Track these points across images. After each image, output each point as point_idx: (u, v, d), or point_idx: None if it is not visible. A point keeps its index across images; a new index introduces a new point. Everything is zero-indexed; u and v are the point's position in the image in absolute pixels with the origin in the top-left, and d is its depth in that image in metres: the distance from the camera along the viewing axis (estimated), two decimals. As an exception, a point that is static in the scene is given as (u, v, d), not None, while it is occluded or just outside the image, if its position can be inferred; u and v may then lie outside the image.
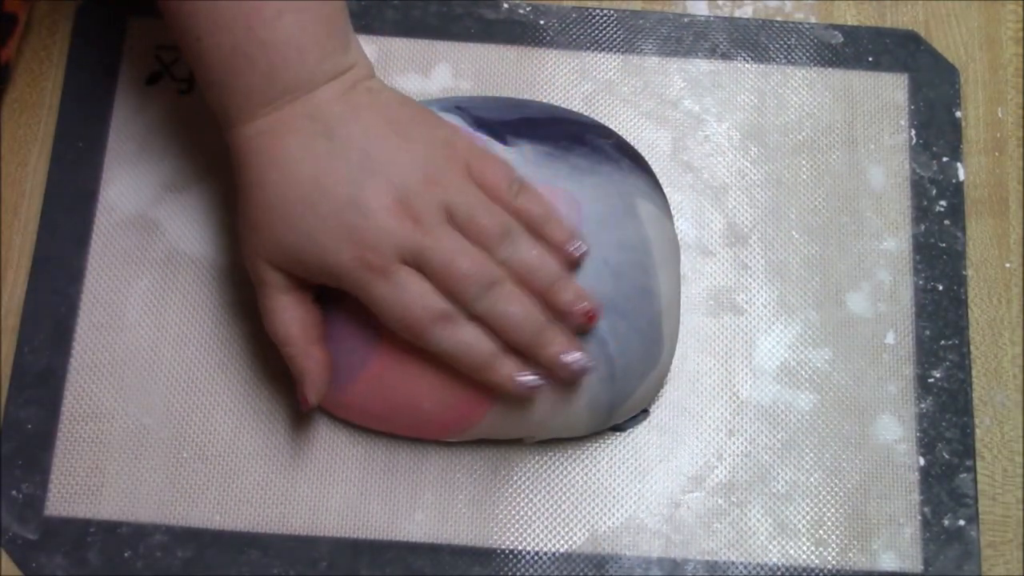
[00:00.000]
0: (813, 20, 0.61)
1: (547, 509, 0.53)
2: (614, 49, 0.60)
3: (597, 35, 0.60)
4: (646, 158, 0.55)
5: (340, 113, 0.47)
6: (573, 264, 0.49)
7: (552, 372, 0.48)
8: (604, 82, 0.59)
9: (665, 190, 0.55)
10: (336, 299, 0.49)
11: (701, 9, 0.61)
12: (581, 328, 0.48)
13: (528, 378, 0.48)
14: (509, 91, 0.58)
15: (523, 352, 0.48)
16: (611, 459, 0.53)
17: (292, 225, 0.47)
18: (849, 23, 0.61)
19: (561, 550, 0.52)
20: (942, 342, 0.56)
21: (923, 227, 0.57)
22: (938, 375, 0.55)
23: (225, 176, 0.56)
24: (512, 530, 0.52)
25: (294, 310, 0.49)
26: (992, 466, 0.54)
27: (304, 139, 0.47)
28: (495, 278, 0.47)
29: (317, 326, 0.49)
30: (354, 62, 0.49)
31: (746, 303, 0.56)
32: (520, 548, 0.52)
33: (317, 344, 0.49)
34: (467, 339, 0.47)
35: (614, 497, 0.53)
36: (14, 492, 0.52)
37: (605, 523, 0.53)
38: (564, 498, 0.53)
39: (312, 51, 0.47)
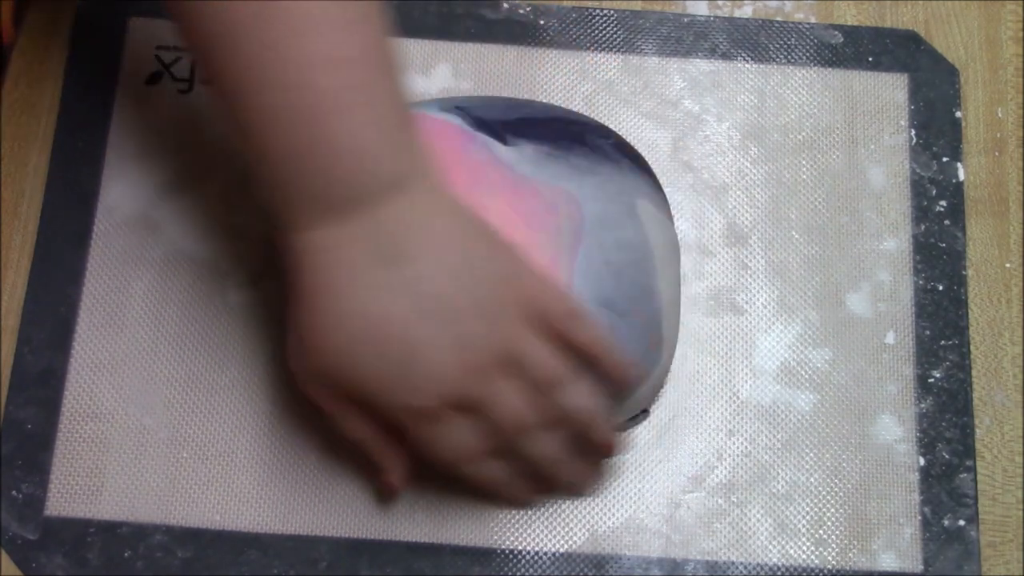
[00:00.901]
0: (813, 20, 0.61)
1: (547, 509, 0.53)
2: (614, 49, 0.60)
3: (597, 35, 0.60)
4: (646, 158, 0.55)
5: (405, 235, 0.44)
6: (627, 391, 0.49)
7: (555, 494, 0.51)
8: (604, 82, 0.59)
9: (665, 190, 0.55)
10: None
11: (701, 9, 0.61)
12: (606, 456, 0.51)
13: (530, 499, 0.51)
14: (509, 91, 0.58)
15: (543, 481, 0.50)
16: (611, 459, 0.53)
17: (344, 357, 0.45)
18: (849, 23, 0.61)
19: (561, 550, 0.52)
20: (942, 342, 0.56)
21: (923, 227, 0.57)
22: (938, 375, 0.55)
23: (225, 176, 0.56)
24: (512, 530, 0.52)
25: (369, 417, 0.48)
26: (992, 466, 0.54)
27: (364, 267, 0.44)
28: (536, 425, 0.47)
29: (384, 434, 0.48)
30: (418, 161, 0.45)
31: (746, 303, 0.56)
32: (520, 548, 0.52)
33: (393, 438, 0.48)
34: (489, 472, 0.49)
35: (614, 497, 0.53)
36: (14, 492, 0.52)
37: (605, 523, 0.53)
38: (564, 498, 0.53)
39: (382, 154, 0.44)
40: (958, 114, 0.59)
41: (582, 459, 0.50)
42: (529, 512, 0.52)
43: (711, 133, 0.58)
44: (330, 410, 0.48)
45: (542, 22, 0.60)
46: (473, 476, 0.49)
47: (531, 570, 0.52)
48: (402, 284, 0.44)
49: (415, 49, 0.59)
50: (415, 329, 0.44)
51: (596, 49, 0.59)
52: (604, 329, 0.48)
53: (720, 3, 0.61)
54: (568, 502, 0.53)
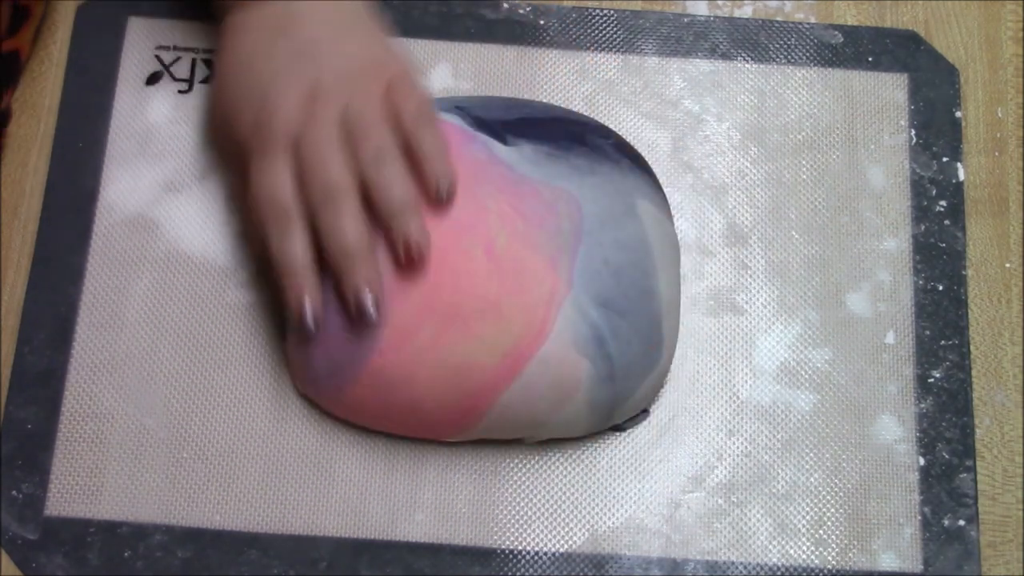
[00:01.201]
0: (813, 20, 0.61)
1: (547, 509, 0.53)
2: (614, 49, 0.60)
3: (597, 35, 0.60)
4: (646, 158, 0.55)
5: (302, 14, 0.51)
6: (435, 202, 0.49)
7: (344, 301, 0.48)
8: (604, 82, 0.59)
9: (665, 190, 0.55)
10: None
11: (701, 9, 0.61)
12: (408, 263, 0.48)
13: (308, 308, 0.48)
14: (509, 91, 0.58)
15: (333, 272, 0.48)
16: (611, 459, 0.53)
17: (227, 95, 0.51)
18: (849, 23, 0.61)
19: (561, 550, 0.52)
20: (942, 342, 0.56)
21: (923, 227, 0.57)
22: (938, 375, 0.55)
23: (225, 176, 0.56)
24: (512, 530, 0.52)
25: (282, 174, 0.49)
26: (992, 466, 0.54)
27: (262, 38, 0.51)
28: (344, 188, 0.48)
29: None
30: None
31: (746, 303, 0.56)
32: (520, 548, 0.52)
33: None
34: (292, 244, 0.48)
35: (614, 497, 0.53)
36: (14, 492, 0.52)
37: (605, 523, 0.53)
38: (564, 498, 0.53)
39: None
40: (958, 114, 0.59)
41: (377, 268, 0.48)
42: (529, 512, 0.52)
43: (711, 133, 0.58)
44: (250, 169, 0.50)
45: (542, 22, 0.60)
46: (276, 242, 0.48)
47: (531, 570, 0.52)
48: (291, 38, 0.50)
49: (415, 49, 0.59)
50: (287, 70, 0.49)
51: (596, 49, 0.59)
52: (442, 145, 0.50)
53: (720, 3, 0.61)
54: (568, 502, 0.53)
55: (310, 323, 0.48)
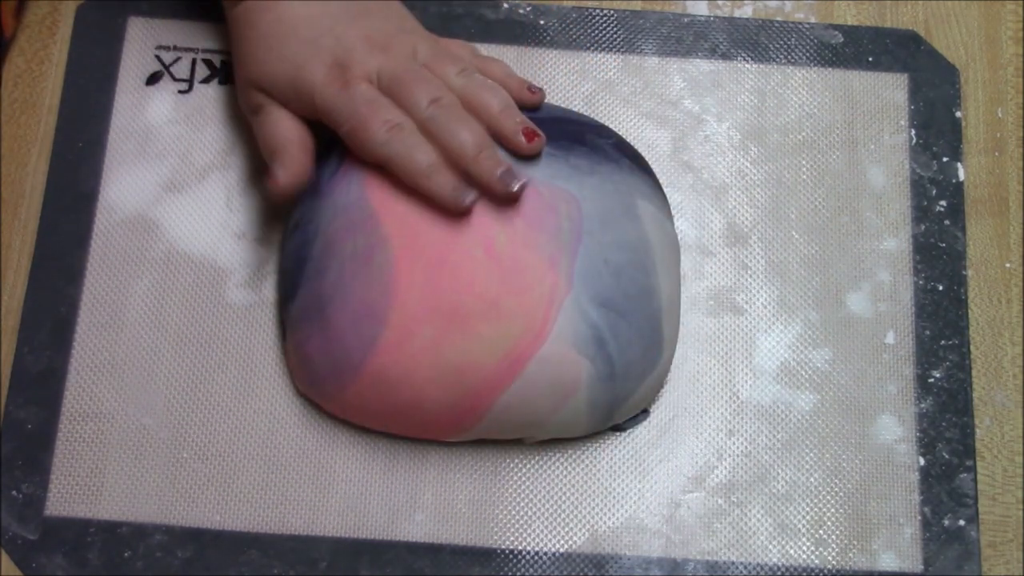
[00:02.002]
0: (813, 20, 0.61)
1: (547, 509, 0.53)
2: (614, 49, 0.60)
3: (597, 35, 0.60)
4: (646, 158, 0.55)
5: None
6: (531, 99, 0.53)
7: (488, 189, 0.49)
8: (604, 82, 0.59)
9: (665, 190, 0.55)
10: (337, 298, 0.50)
11: (701, 9, 0.61)
12: (530, 150, 0.50)
13: (465, 193, 0.49)
14: (509, 91, 0.58)
15: (462, 168, 0.49)
16: (611, 459, 0.53)
17: (278, 52, 0.51)
18: (849, 23, 0.61)
19: (561, 550, 0.52)
20: (942, 342, 0.56)
21: (923, 227, 0.57)
22: (938, 375, 0.55)
23: (225, 176, 0.56)
24: (512, 530, 0.52)
25: (289, 121, 0.52)
26: (992, 466, 0.54)
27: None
28: (443, 94, 0.50)
29: (310, 144, 0.52)
30: None
31: (746, 303, 0.56)
32: (520, 548, 0.52)
33: (309, 155, 0.52)
34: (409, 144, 0.49)
35: (614, 497, 0.53)
36: (14, 492, 0.52)
37: (605, 523, 0.53)
38: (564, 498, 0.53)
39: None
40: (958, 114, 0.59)
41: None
42: (529, 512, 0.52)
43: (711, 133, 0.58)
44: (266, 117, 0.52)
45: (542, 22, 0.60)
46: (391, 146, 0.49)
47: (531, 570, 0.52)
48: (338, 3, 0.52)
49: (415, 49, 0.59)
50: (343, 21, 0.52)
51: (596, 49, 0.59)
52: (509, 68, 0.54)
53: (720, 3, 0.61)
54: (568, 502, 0.53)
55: (513, 184, 0.49)
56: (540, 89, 0.53)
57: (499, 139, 0.50)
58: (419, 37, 0.53)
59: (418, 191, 0.50)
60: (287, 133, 0.52)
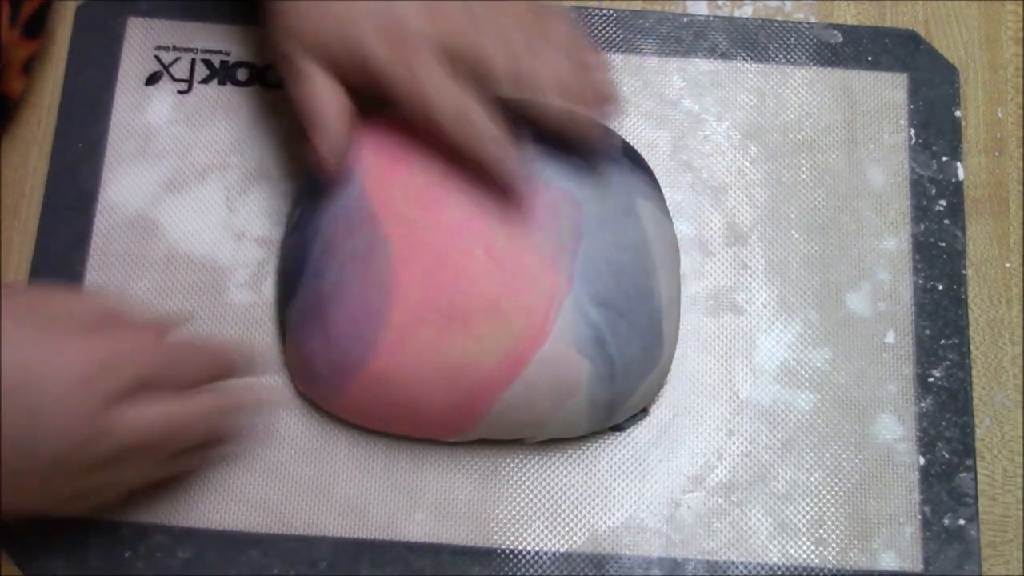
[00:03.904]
0: (813, 20, 0.61)
1: (547, 509, 0.53)
2: (614, 49, 0.60)
3: (597, 35, 0.60)
4: (646, 158, 0.55)
5: None
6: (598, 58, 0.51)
7: (593, 105, 0.49)
8: (604, 82, 0.59)
9: (665, 190, 0.55)
10: (336, 298, 0.50)
11: (701, 9, 0.61)
12: (604, 103, 0.50)
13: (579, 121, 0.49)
14: (509, 91, 0.58)
15: (564, 97, 0.49)
16: (611, 459, 0.53)
17: (334, 14, 0.48)
18: (849, 23, 0.61)
19: (561, 550, 0.52)
20: (942, 342, 0.56)
21: (923, 227, 0.57)
22: (938, 375, 0.55)
23: (225, 176, 0.56)
24: (512, 530, 0.52)
25: (329, 83, 0.49)
26: (992, 466, 0.54)
27: None
28: (508, 64, 0.48)
29: (350, 111, 0.50)
30: None
31: (746, 303, 0.56)
32: (520, 548, 0.52)
33: (348, 123, 0.50)
34: (492, 125, 0.48)
35: (614, 497, 0.53)
36: (14, 492, 0.52)
37: (605, 523, 0.53)
38: (564, 498, 0.53)
39: None
40: (958, 114, 0.59)
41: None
42: (529, 512, 0.52)
43: (711, 133, 0.58)
44: (306, 82, 0.49)
45: (542, 22, 0.60)
46: (462, 141, 0.48)
47: (531, 570, 0.52)
48: None
49: (415, 49, 0.59)
50: None
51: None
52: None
53: (720, 3, 0.61)
54: (568, 502, 0.53)
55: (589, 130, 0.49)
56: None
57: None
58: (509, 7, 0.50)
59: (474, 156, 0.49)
60: (326, 96, 0.49)
